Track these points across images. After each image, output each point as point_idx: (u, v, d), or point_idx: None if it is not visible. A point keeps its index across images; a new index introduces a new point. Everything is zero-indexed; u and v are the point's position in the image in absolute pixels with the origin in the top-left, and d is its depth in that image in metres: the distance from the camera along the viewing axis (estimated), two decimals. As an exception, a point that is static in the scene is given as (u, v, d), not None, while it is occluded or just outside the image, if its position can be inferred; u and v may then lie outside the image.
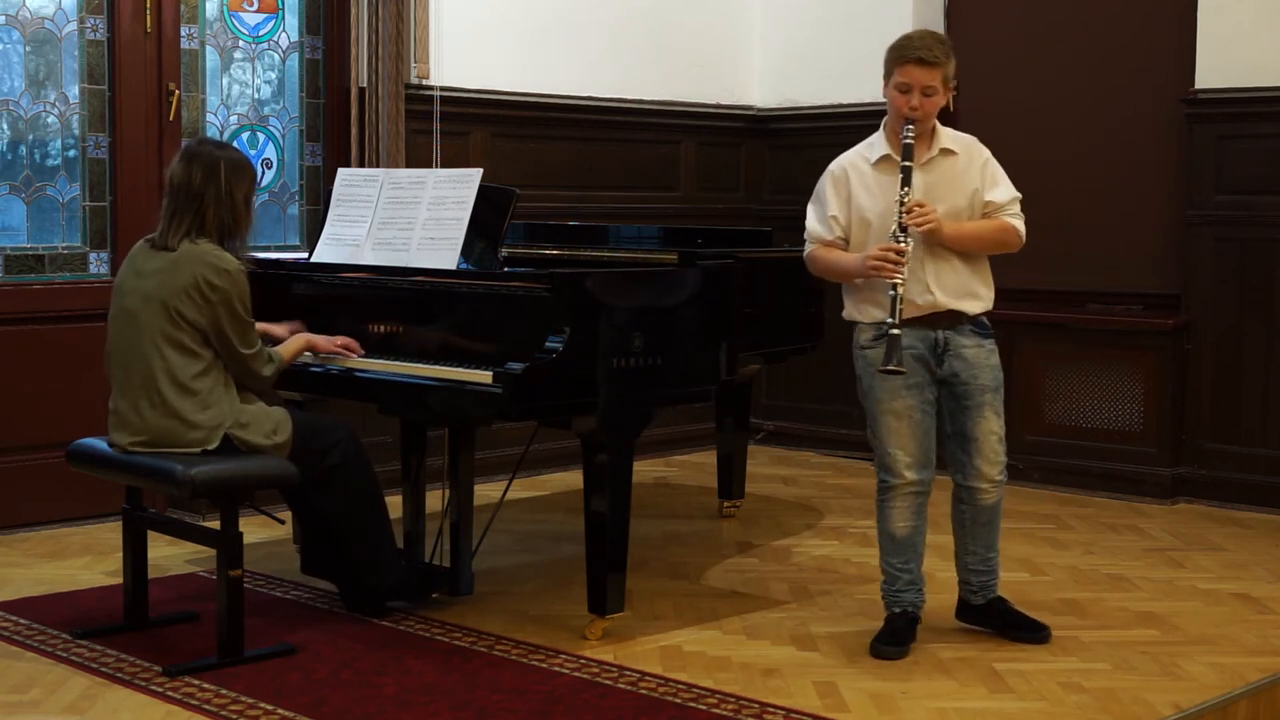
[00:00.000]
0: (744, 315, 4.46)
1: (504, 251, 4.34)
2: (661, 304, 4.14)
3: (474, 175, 4.35)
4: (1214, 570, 4.99)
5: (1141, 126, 6.32)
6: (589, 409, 3.95)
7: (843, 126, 6.97)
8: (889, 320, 3.83)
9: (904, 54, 3.93)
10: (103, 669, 3.86)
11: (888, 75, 3.98)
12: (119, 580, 4.31)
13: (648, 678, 3.81)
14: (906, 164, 3.90)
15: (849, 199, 4.02)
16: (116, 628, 4.16)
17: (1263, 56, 5.81)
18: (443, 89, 6.10)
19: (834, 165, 4.08)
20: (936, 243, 3.94)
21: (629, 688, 3.74)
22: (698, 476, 6.43)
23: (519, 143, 6.46)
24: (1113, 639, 4.20)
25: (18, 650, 4.01)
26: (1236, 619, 4.42)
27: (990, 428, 4.06)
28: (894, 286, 3.83)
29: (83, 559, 4.96)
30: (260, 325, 4.30)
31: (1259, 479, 5.86)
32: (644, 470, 6.39)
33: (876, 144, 4.04)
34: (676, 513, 5.80)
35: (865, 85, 6.88)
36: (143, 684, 3.74)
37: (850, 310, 4.10)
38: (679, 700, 3.65)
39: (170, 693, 3.67)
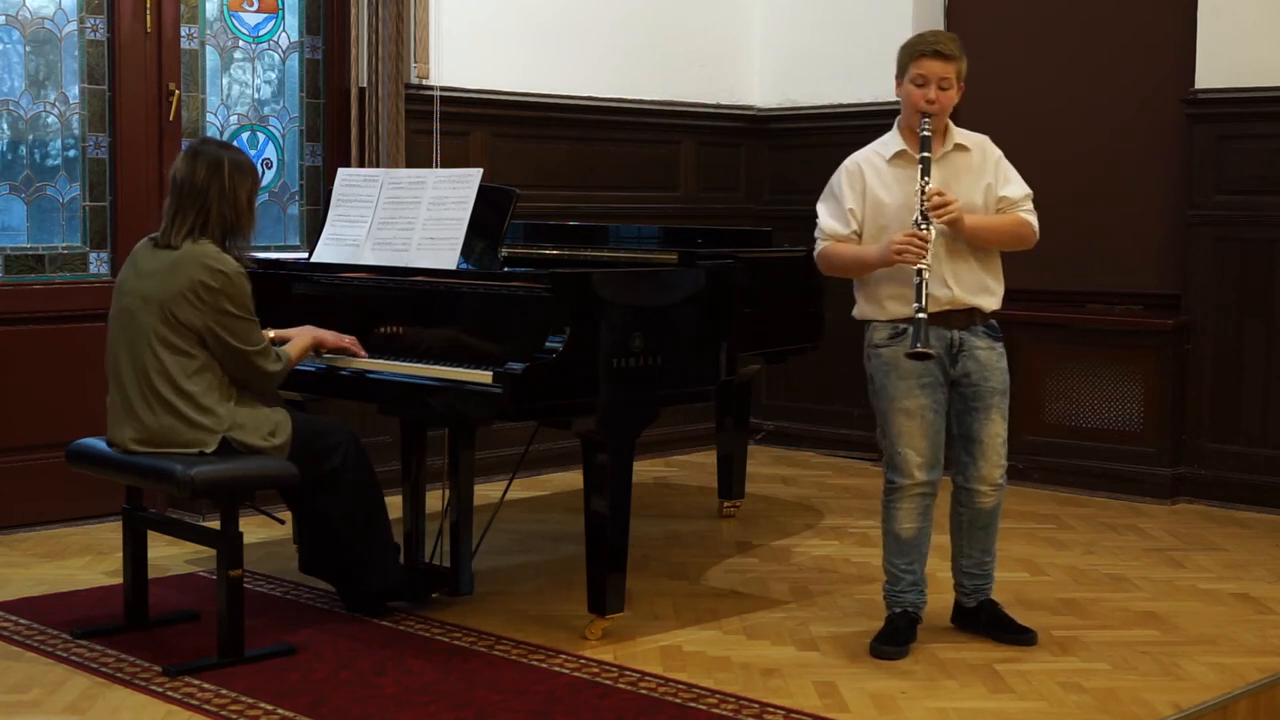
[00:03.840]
0: (744, 315, 4.46)
1: (504, 251, 4.35)
2: (661, 304, 4.14)
3: (474, 175, 4.35)
4: (1214, 570, 4.99)
5: (1141, 126, 6.32)
6: (589, 409, 3.94)
7: (843, 126, 7.00)
8: (916, 305, 3.80)
9: (919, 48, 3.96)
10: (103, 669, 3.86)
11: (902, 71, 3.98)
12: (119, 580, 4.31)
13: (648, 678, 3.81)
14: (925, 155, 3.90)
15: (864, 194, 4.01)
16: (116, 628, 4.16)
17: (1263, 56, 5.80)
18: (443, 89, 6.10)
19: (848, 162, 4.07)
20: (957, 234, 3.95)
21: (629, 688, 3.74)
22: (698, 476, 6.43)
23: (519, 143, 6.45)
24: (1113, 639, 4.19)
25: (18, 650, 4.01)
26: (1236, 619, 4.42)
27: (995, 431, 4.06)
28: (919, 272, 3.82)
29: (83, 559, 4.96)
30: (276, 332, 4.26)
31: (1259, 479, 5.86)
32: (644, 470, 6.38)
33: (890, 141, 4.05)
34: (676, 513, 5.80)
35: (865, 85, 6.93)
36: (143, 684, 3.74)
37: (864, 308, 4.07)
38: (679, 700, 3.65)
39: (170, 693, 3.67)
